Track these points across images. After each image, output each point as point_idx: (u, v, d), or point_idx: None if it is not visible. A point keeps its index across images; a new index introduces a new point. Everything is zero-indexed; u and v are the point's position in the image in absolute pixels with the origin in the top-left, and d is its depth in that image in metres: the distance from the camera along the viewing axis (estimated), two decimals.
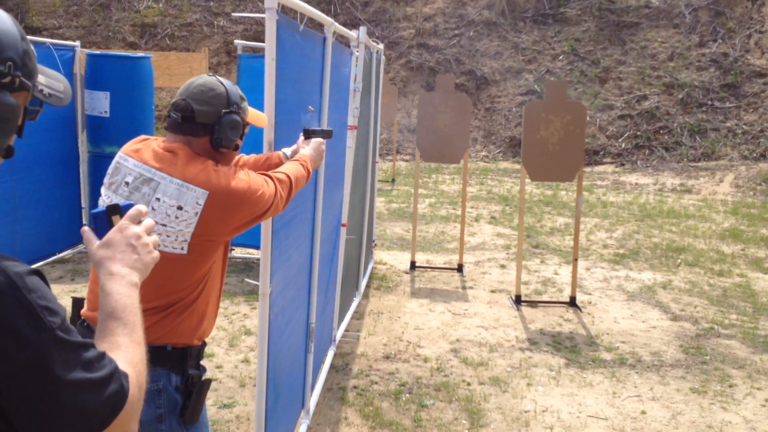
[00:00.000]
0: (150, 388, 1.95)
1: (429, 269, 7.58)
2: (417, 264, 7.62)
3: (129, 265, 1.37)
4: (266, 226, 2.91)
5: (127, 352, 1.25)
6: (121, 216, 1.43)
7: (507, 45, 18.22)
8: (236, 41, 7.41)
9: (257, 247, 7.80)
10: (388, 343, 5.46)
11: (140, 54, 7.78)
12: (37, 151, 6.85)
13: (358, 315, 6.05)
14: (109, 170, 2.35)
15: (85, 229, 1.43)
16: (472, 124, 16.26)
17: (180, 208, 2.18)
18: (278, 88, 2.99)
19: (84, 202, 7.78)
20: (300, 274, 3.92)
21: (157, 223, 2.13)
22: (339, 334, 5.39)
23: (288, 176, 2.49)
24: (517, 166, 15.44)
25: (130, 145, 2.38)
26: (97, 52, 7.83)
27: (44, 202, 7.02)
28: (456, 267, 7.57)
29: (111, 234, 1.40)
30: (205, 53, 15.40)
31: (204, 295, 2.30)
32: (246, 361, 5.03)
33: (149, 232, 1.43)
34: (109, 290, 1.32)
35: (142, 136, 2.43)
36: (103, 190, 2.34)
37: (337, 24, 4.30)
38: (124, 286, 1.33)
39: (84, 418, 1.12)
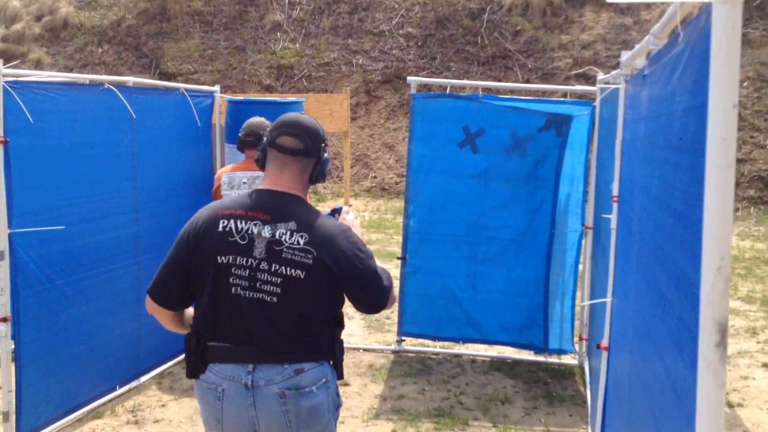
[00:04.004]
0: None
1: None
2: None
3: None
4: None
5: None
6: (339, 213, 2.74)
7: None
8: (410, 78, 5.84)
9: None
10: None
11: (291, 98, 6.36)
12: (166, 224, 5.47)
13: None
14: (225, 183, 4.46)
15: None
16: None
17: None
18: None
19: None
20: None
21: None
22: None
23: None
24: None
25: (228, 168, 4.62)
26: (240, 97, 6.45)
27: None
28: None
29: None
30: (347, 93, 14.12)
31: None
32: None
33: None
34: None
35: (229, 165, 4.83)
36: (227, 192, 4.45)
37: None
38: None
39: (381, 296, 2.57)
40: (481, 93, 5.80)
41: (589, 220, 5.59)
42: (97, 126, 4.71)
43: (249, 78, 16.95)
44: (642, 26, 17.06)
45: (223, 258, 2.49)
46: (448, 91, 5.87)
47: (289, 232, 2.48)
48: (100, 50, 17.98)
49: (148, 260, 5.26)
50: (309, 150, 2.61)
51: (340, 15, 18.31)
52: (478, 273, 5.84)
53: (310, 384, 2.48)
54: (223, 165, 6.31)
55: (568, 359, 5.83)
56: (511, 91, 12.92)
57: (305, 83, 16.81)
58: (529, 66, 16.56)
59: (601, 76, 5.55)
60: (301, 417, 2.48)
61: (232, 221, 2.50)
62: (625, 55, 3.34)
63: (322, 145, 2.66)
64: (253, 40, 17.87)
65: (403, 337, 5.98)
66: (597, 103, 5.52)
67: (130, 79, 5.12)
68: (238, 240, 2.48)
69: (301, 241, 2.47)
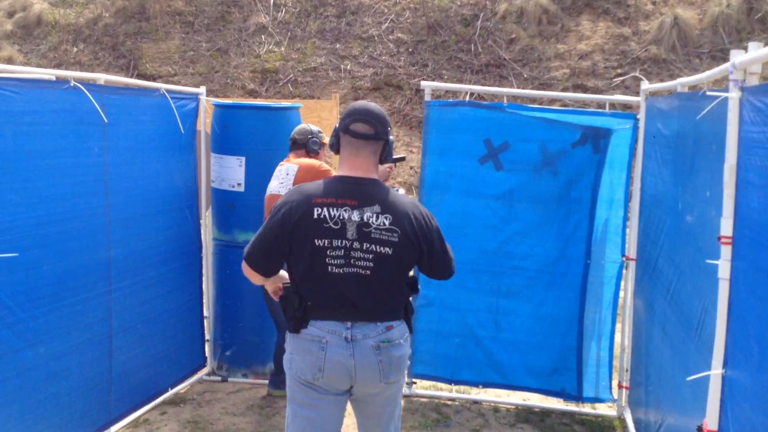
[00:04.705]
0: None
1: None
2: None
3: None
4: None
5: None
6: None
7: None
8: (423, 83, 5.11)
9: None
10: None
11: (286, 104, 5.61)
12: (142, 246, 4.69)
13: None
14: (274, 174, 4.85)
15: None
16: None
17: (287, 174, 4.71)
18: None
19: (207, 310, 5.57)
20: None
21: (279, 182, 4.72)
22: None
23: None
24: None
25: (285, 160, 4.92)
26: (229, 101, 5.69)
27: (153, 318, 4.83)
28: None
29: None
30: (336, 100, 13.37)
31: None
32: None
33: None
34: None
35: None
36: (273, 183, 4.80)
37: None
38: None
39: (451, 263, 3.13)
40: (506, 102, 5.08)
41: (631, 251, 4.88)
42: (62, 131, 3.92)
43: (232, 82, 16.14)
44: (641, 37, 16.49)
45: (319, 241, 2.87)
46: (467, 98, 5.14)
47: (375, 215, 2.89)
48: (75, 49, 17.09)
49: (123, 288, 4.47)
50: (379, 134, 2.99)
51: (328, 18, 17.58)
52: (501, 308, 5.11)
53: (398, 338, 2.97)
54: (208, 177, 5.54)
55: (603, 408, 5.11)
56: (514, 98, 12.23)
57: (291, 88, 16.03)
58: (525, 75, 15.91)
59: (645, 85, 4.85)
60: (392, 365, 2.95)
61: (325, 209, 2.88)
62: (736, 56, 2.62)
63: (389, 128, 3.05)
64: (236, 42, 17.07)
65: (414, 380, 5.24)
66: (641, 115, 4.83)
67: (102, 77, 4.34)
68: (332, 225, 2.87)
69: (386, 222, 2.90)
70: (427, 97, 5.11)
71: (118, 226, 4.41)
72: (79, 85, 3.99)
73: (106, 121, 4.17)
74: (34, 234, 3.73)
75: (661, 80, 15.88)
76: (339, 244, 2.86)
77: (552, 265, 5.03)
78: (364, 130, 2.95)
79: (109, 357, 4.39)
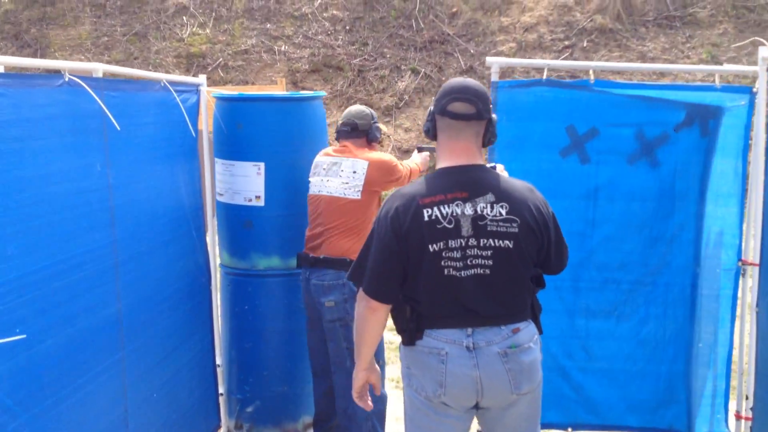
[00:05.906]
0: (338, 283, 3.73)
1: None
2: None
3: None
4: None
5: None
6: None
7: (631, 55, 14.96)
8: (489, 59, 4.09)
9: None
10: None
11: (306, 93, 4.52)
12: (152, 288, 3.55)
13: None
14: (312, 168, 3.99)
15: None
16: None
17: (355, 171, 3.81)
18: None
19: (219, 358, 4.43)
20: None
21: (343, 182, 3.82)
22: None
23: (410, 168, 4.05)
24: None
25: (320, 155, 4.02)
26: (235, 93, 4.53)
27: (167, 381, 3.69)
28: None
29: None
30: (282, 84, 12.20)
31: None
32: None
33: None
34: None
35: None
36: (312, 179, 3.96)
37: None
38: None
39: (566, 253, 2.80)
40: (592, 78, 4.15)
41: (750, 254, 4.05)
42: (58, 145, 2.75)
43: (155, 69, 14.63)
44: (584, 6, 15.90)
45: (434, 246, 2.56)
46: (545, 76, 4.16)
47: (489, 205, 2.59)
48: None
49: (136, 351, 3.32)
50: (481, 113, 2.66)
51: None
52: (591, 331, 4.19)
53: (527, 341, 2.63)
54: (213, 187, 4.41)
55: None
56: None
57: (221, 74, 14.67)
58: (471, 51, 15.06)
59: (767, 51, 4.00)
60: (523, 373, 2.60)
61: (435, 208, 2.57)
62: None
63: (491, 105, 2.72)
64: (155, 25, 15.55)
65: None
66: (760, 87, 3.97)
67: (99, 67, 3.15)
68: (446, 225, 2.56)
69: (503, 212, 2.59)
70: (494, 77, 4.10)
71: (127, 266, 3.25)
72: (77, 80, 2.81)
73: (118, 128, 3.00)
74: (37, 295, 2.56)
75: (610, 51, 15.35)
76: (454, 244, 2.56)
77: (653, 275, 4.14)
78: (464, 110, 2.65)
79: None
